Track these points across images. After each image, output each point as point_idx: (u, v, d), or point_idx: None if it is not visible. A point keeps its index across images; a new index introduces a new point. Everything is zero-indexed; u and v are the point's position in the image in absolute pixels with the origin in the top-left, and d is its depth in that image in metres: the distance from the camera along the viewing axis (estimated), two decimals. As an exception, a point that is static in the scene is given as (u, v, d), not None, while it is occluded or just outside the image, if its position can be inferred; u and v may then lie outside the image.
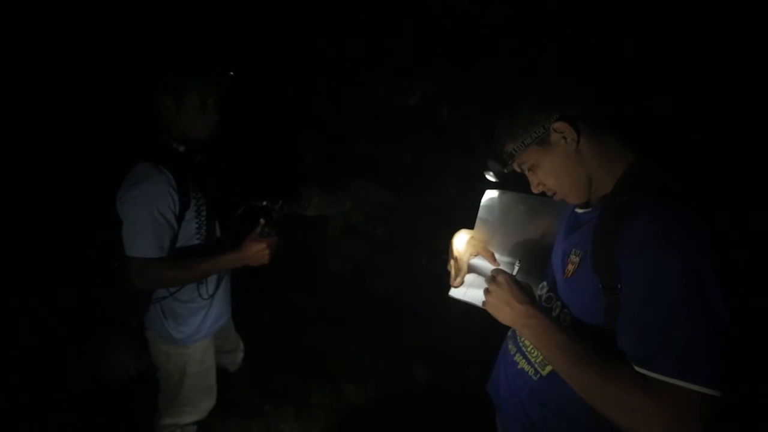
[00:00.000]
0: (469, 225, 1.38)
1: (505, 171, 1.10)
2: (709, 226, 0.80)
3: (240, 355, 2.13)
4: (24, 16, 2.61)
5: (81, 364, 2.41)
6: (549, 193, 1.08)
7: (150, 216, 1.46)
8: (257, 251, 1.59)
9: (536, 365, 1.08)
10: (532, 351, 1.11)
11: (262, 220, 1.64)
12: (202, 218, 1.61)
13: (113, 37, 2.73)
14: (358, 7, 3.06)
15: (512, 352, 1.19)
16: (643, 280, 0.82)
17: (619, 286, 0.87)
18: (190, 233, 1.61)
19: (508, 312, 1.03)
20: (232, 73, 1.67)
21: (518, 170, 1.10)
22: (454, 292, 1.31)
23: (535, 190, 1.10)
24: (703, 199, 0.85)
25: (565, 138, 0.98)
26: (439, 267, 1.44)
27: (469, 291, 1.30)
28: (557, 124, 0.98)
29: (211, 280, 1.74)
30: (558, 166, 1.01)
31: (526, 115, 1.01)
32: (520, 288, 1.04)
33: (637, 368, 0.81)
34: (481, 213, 1.34)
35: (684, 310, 0.77)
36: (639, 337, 0.82)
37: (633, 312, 0.84)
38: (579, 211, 1.08)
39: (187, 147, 1.59)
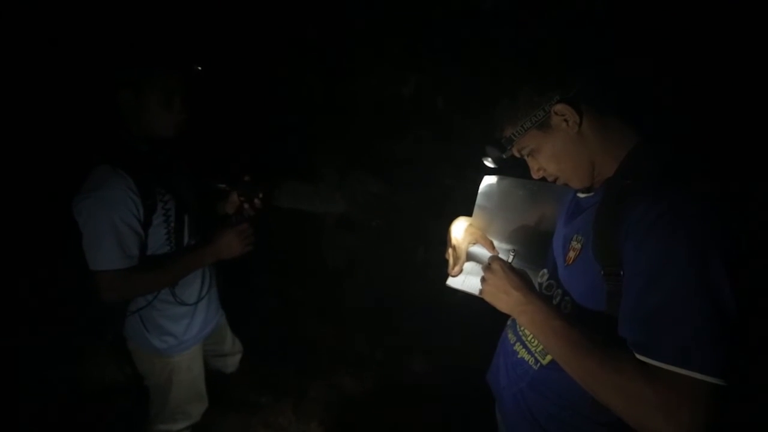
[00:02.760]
0: (467, 214, 1.36)
1: (504, 157, 1.07)
2: (715, 210, 0.78)
3: (238, 357, 2.07)
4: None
5: (66, 373, 2.36)
6: (550, 179, 1.06)
7: (110, 225, 1.34)
8: (228, 241, 1.54)
9: (536, 354, 1.07)
10: (532, 340, 1.09)
11: (229, 210, 1.57)
12: (171, 222, 1.51)
13: (70, 22, 2.52)
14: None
15: (512, 342, 1.17)
16: (646, 265, 0.80)
17: (621, 273, 0.85)
18: (160, 240, 1.50)
19: (504, 299, 1.02)
20: (200, 68, 1.54)
21: (518, 155, 1.07)
22: (451, 281, 1.29)
23: (535, 176, 1.07)
24: (708, 181, 0.82)
25: (566, 121, 0.95)
26: (436, 258, 1.42)
27: (467, 280, 1.29)
28: (558, 107, 0.94)
29: (193, 287, 1.66)
30: (559, 150, 0.98)
31: (526, 97, 0.98)
32: (517, 275, 1.02)
33: (638, 356, 0.79)
34: (479, 200, 1.31)
35: (689, 297, 0.75)
36: (641, 323, 0.80)
37: (635, 298, 0.81)
38: (581, 195, 1.05)
39: (150, 146, 1.46)
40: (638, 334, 0.81)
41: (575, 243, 0.99)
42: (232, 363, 2.06)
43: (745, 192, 0.82)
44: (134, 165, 1.39)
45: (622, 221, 0.84)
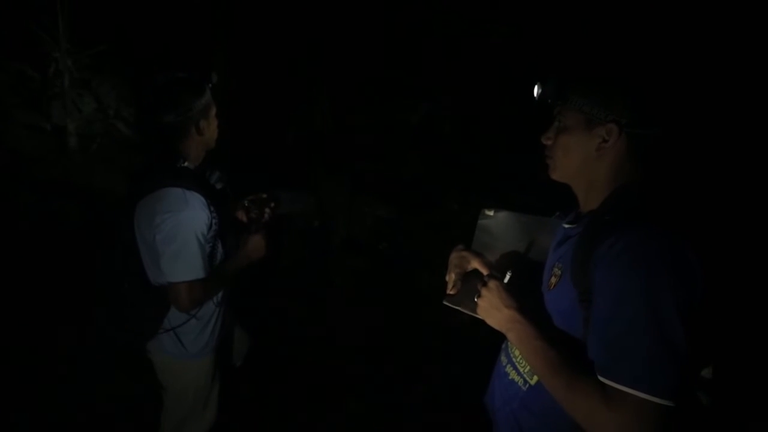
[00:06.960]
0: (470, 240, 1.42)
1: (548, 100, 1.06)
2: (676, 248, 0.86)
3: (246, 344, 2.12)
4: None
5: (77, 385, 2.39)
6: (546, 152, 1.09)
7: (194, 239, 1.49)
8: (258, 244, 1.71)
9: (525, 375, 1.12)
10: (521, 361, 1.14)
11: (244, 216, 1.76)
12: (219, 234, 1.63)
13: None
14: (362, 28, 3.13)
15: (504, 364, 1.22)
16: (609, 295, 0.88)
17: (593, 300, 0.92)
18: (213, 250, 1.63)
19: (496, 315, 1.08)
20: (215, 74, 1.66)
21: (553, 110, 1.06)
22: (448, 300, 1.33)
23: (543, 139, 1.09)
24: (678, 220, 0.90)
25: (603, 140, 0.97)
26: (440, 282, 1.46)
27: (464, 300, 1.33)
28: (612, 126, 0.95)
29: None
30: (574, 147, 1.02)
31: (607, 92, 0.97)
32: (510, 294, 1.08)
33: (599, 377, 0.88)
34: (478, 229, 1.40)
35: (641, 327, 0.84)
36: (602, 348, 0.89)
37: (600, 325, 0.90)
38: (566, 226, 1.12)
39: (202, 166, 1.61)
40: (601, 358, 0.89)
41: (556, 270, 1.06)
42: (242, 352, 2.12)
43: (714, 228, 0.88)
44: (198, 185, 1.54)
45: (593, 252, 0.91)
